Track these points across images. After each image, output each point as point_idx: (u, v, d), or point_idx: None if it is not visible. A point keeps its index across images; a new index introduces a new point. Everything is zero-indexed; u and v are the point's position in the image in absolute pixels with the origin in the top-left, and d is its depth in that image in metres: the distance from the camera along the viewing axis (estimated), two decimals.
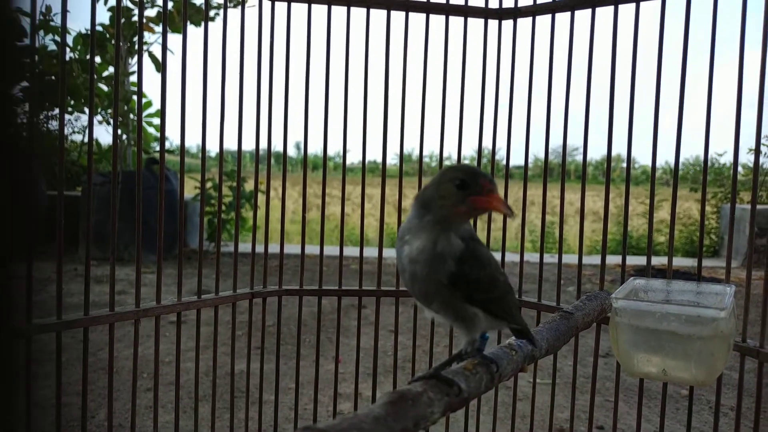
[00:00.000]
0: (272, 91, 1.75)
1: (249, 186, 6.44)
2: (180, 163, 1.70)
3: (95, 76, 4.91)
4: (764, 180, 6.56)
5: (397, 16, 1.79)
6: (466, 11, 1.82)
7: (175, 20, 5.54)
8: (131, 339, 1.56)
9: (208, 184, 5.97)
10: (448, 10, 1.81)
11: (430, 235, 0.81)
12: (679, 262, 6.65)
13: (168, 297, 1.66)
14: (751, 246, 1.47)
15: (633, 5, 1.61)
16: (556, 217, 1.80)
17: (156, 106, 6.80)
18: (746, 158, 6.39)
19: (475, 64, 1.81)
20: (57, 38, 6.19)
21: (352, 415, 0.65)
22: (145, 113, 6.70)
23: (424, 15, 1.80)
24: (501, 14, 1.81)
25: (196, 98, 1.64)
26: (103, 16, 6.69)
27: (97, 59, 6.64)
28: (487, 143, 1.85)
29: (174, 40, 7.37)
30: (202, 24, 1.66)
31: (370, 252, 5.60)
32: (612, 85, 1.64)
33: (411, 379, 0.82)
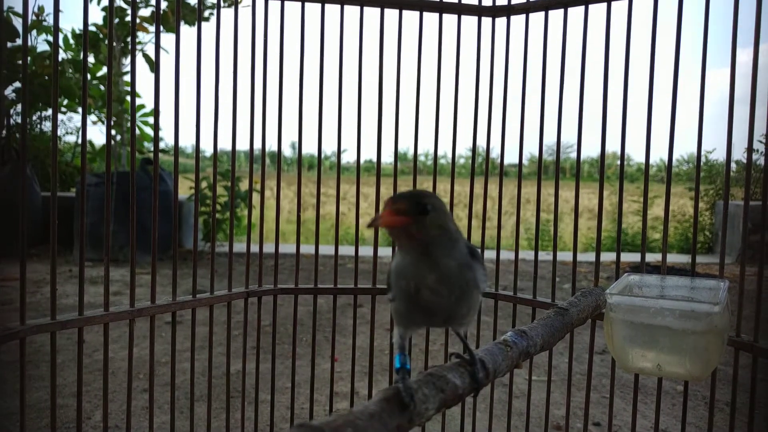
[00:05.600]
0: (266, 91, 1.75)
1: (244, 186, 6.42)
2: (174, 163, 1.70)
3: (89, 77, 4.91)
4: (757, 177, 6.58)
5: (391, 14, 1.79)
6: (460, 9, 1.82)
7: (169, 20, 5.53)
8: (127, 340, 1.55)
9: (203, 184, 5.95)
10: (441, 8, 1.81)
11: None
12: (674, 258, 6.67)
13: (163, 297, 1.66)
14: (745, 242, 1.48)
15: (626, 2, 1.61)
16: (551, 214, 1.81)
17: (150, 106, 6.78)
18: (738, 155, 6.41)
19: (469, 62, 1.82)
20: (50, 38, 6.17)
21: (348, 412, 0.65)
22: (139, 113, 6.67)
23: (417, 13, 1.80)
24: (494, 12, 1.81)
25: (191, 98, 1.64)
26: (97, 16, 6.68)
27: (91, 59, 6.63)
28: (481, 141, 1.86)
29: (168, 39, 7.35)
30: (196, 23, 1.65)
31: (366, 251, 5.59)
32: (605, 82, 1.65)
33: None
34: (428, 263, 0.81)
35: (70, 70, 6.25)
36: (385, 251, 2.02)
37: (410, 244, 0.82)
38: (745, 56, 1.47)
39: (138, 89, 1.67)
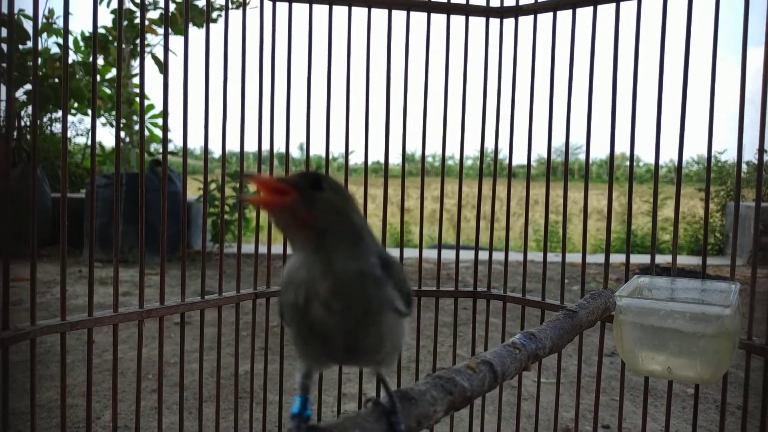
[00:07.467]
0: (274, 92, 1.76)
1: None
2: (182, 165, 1.71)
3: (98, 79, 4.95)
4: None
5: (398, 15, 1.79)
6: (468, 10, 1.81)
7: (177, 22, 5.56)
8: (136, 340, 1.56)
9: (212, 186, 5.97)
10: (449, 9, 1.81)
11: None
12: (685, 260, 6.62)
13: (172, 298, 1.66)
14: (756, 244, 1.47)
15: (634, 2, 1.60)
16: (560, 216, 1.80)
17: (159, 107, 6.82)
18: (749, 156, 6.36)
19: (477, 63, 1.81)
20: (60, 40, 6.22)
21: (355, 414, 0.65)
22: (149, 115, 6.71)
23: (425, 14, 1.80)
24: (502, 13, 1.80)
25: (199, 99, 1.65)
26: (106, 19, 6.72)
27: (100, 61, 6.67)
28: (489, 143, 1.85)
29: (176, 41, 7.39)
30: (204, 25, 1.66)
31: None
32: (614, 82, 1.64)
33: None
34: (321, 263, 0.61)
35: (80, 73, 6.30)
36: (392, 252, 2.01)
37: (300, 235, 0.63)
38: (756, 56, 1.45)
39: (147, 91, 1.68)
